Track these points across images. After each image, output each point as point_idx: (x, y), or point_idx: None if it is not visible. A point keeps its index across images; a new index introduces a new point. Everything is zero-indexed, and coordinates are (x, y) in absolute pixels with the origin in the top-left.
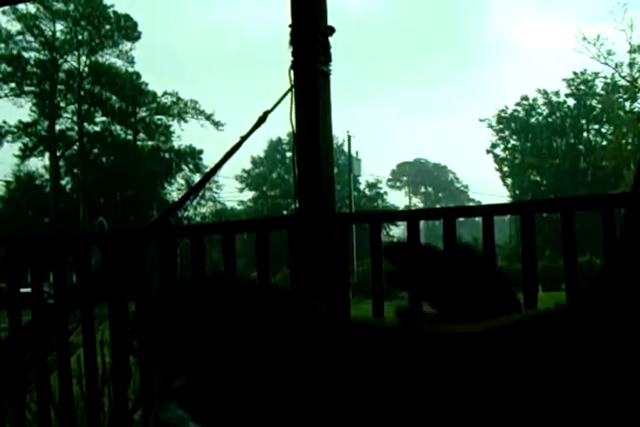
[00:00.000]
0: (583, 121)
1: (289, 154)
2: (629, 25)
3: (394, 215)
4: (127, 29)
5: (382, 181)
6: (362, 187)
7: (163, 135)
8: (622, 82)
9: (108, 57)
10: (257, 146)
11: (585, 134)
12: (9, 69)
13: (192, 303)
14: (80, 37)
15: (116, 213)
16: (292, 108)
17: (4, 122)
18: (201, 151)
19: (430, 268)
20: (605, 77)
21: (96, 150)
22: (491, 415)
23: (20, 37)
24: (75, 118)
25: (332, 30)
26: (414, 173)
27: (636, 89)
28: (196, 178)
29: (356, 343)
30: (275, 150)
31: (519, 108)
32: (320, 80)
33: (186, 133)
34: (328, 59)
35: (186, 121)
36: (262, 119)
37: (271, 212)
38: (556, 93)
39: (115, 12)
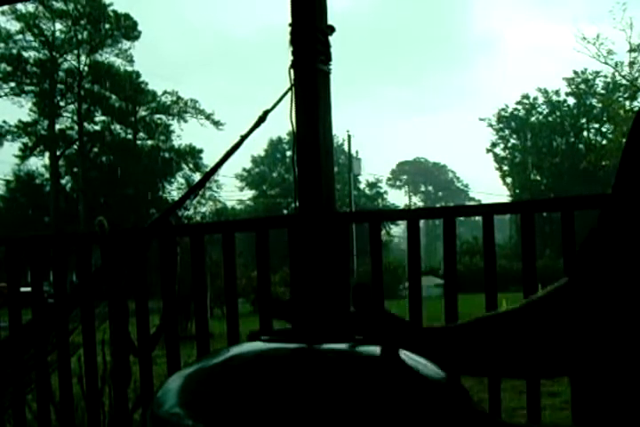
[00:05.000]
0: (583, 120)
1: (289, 153)
2: (629, 24)
3: (394, 214)
4: (127, 28)
5: (382, 181)
6: (362, 186)
7: (162, 134)
8: (622, 81)
9: (108, 56)
10: (257, 145)
11: (585, 133)
12: (9, 69)
13: None
14: (80, 36)
15: (116, 213)
16: (292, 107)
17: (4, 121)
18: (201, 150)
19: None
20: (605, 76)
21: (96, 150)
22: None
23: (19, 37)
24: (74, 118)
25: (332, 29)
26: (414, 172)
27: (636, 88)
28: (196, 177)
29: None
30: (275, 149)
31: (519, 107)
32: (320, 79)
33: (186, 133)
34: (328, 58)
35: (186, 120)
36: (262, 118)
37: (271, 211)
38: (557, 92)
39: (114, 11)
